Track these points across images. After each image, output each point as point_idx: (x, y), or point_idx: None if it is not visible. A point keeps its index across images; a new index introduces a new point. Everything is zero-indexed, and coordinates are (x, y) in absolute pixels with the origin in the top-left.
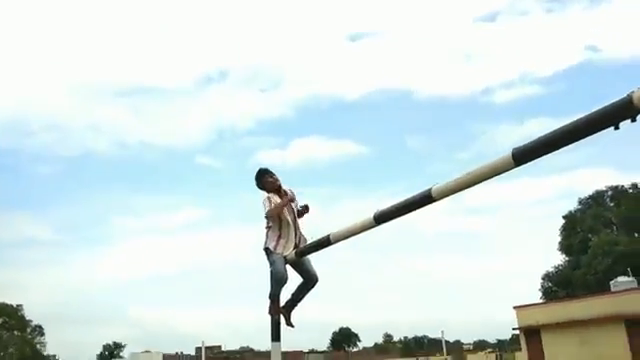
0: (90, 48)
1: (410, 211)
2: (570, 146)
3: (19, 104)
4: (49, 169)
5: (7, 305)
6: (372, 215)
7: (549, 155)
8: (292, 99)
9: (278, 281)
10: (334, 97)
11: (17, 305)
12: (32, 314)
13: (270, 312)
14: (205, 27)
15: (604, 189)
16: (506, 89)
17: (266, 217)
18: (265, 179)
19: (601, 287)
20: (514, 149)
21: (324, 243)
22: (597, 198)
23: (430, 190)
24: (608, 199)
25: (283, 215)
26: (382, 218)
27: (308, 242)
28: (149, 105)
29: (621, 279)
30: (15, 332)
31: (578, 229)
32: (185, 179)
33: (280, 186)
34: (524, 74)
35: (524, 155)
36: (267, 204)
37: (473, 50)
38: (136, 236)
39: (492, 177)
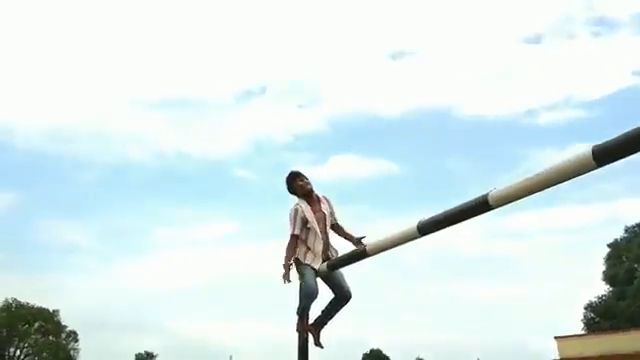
0: (135, 60)
1: (461, 220)
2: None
3: (64, 111)
4: (90, 176)
5: (44, 309)
6: (415, 225)
7: (594, 181)
8: (330, 115)
9: (308, 295)
10: (372, 115)
11: (54, 310)
12: (67, 320)
13: (298, 329)
14: (247, 41)
15: None
16: (549, 112)
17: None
18: (295, 182)
19: None
20: (595, 146)
21: (360, 255)
22: None
23: (487, 196)
24: None
25: (313, 225)
26: (427, 228)
27: (340, 255)
28: (188, 116)
29: None
30: (50, 337)
31: (624, 258)
32: (221, 191)
33: (311, 190)
34: (568, 97)
35: (607, 154)
36: (292, 221)
37: (516, 71)
38: (174, 247)
39: (564, 181)
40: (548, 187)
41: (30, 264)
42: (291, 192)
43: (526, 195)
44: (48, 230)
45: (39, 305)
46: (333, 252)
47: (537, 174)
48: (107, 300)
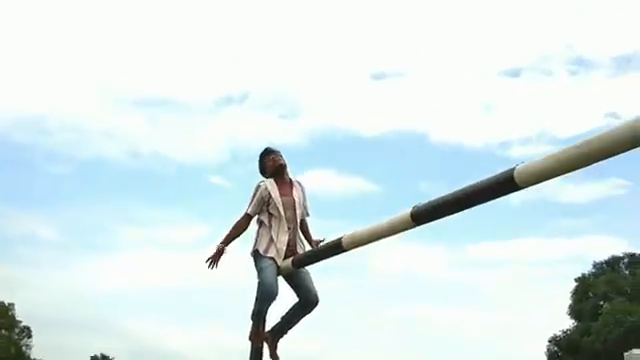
0: (115, 55)
1: (478, 203)
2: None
3: (38, 101)
4: (61, 169)
5: None
6: (409, 211)
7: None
8: (309, 129)
9: (265, 297)
10: (351, 132)
11: (9, 304)
12: (22, 315)
13: (250, 337)
14: (231, 47)
15: (621, 255)
16: (523, 145)
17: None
18: (267, 158)
19: (610, 357)
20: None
21: (334, 249)
22: (612, 264)
23: (513, 171)
24: (624, 266)
25: (278, 209)
26: (425, 215)
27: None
28: (167, 118)
29: (637, 351)
30: (3, 331)
31: (590, 294)
32: (194, 195)
33: (283, 167)
34: (542, 132)
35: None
36: (250, 199)
37: (494, 102)
38: (139, 247)
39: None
40: (583, 166)
41: None
42: (262, 172)
43: (556, 175)
44: (10, 220)
45: None
46: (300, 248)
47: (576, 146)
48: (65, 297)
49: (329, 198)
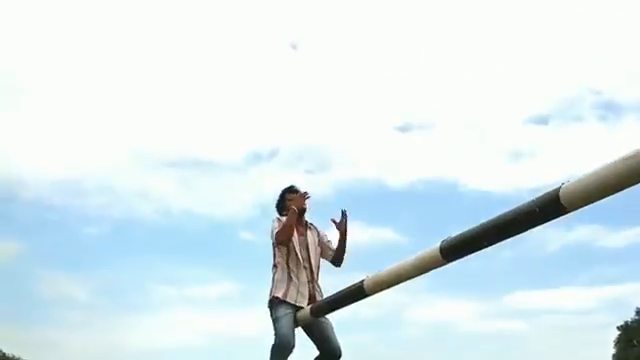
0: (148, 116)
1: (518, 232)
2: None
3: (74, 164)
4: (94, 230)
5: None
6: (438, 246)
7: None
8: (336, 181)
9: (279, 348)
10: (378, 183)
11: None
12: None
13: None
14: (260, 104)
15: None
16: None
17: (275, 244)
18: (289, 198)
19: None
20: None
21: (356, 294)
22: None
23: (558, 192)
24: None
25: (294, 249)
26: (457, 250)
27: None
28: (198, 177)
29: None
30: None
31: (635, 342)
32: (225, 252)
33: (304, 210)
34: (571, 178)
35: None
36: (276, 225)
37: (522, 149)
38: (171, 306)
39: None
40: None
41: (24, 315)
42: (278, 209)
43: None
44: (46, 282)
45: (27, 359)
46: (318, 295)
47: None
48: (100, 357)
49: (357, 250)
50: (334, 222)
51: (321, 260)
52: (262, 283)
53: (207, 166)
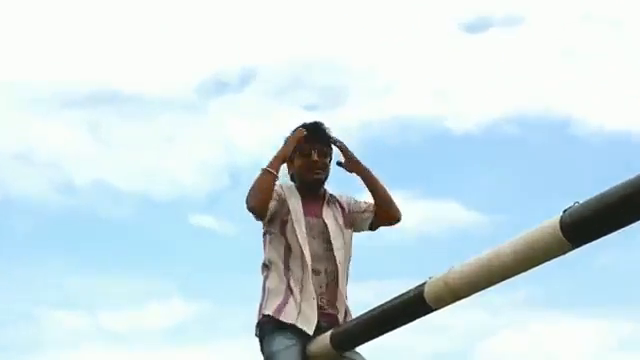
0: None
1: None
2: None
3: None
4: None
5: None
6: (557, 219)
7: None
8: (356, 125)
9: None
10: (432, 126)
11: None
12: None
13: None
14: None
15: None
16: None
17: (265, 230)
18: (304, 146)
19: None
20: None
21: (408, 309)
22: None
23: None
24: None
25: (296, 238)
26: (589, 226)
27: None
28: (118, 125)
29: None
30: None
31: None
32: (169, 250)
33: (320, 181)
34: None
35: None
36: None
37: None
38: (80, 345)
39: None
40: None
41: None
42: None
43: None
44: None
45: None
46: (340, 314)
47: None
48: None
49: (400, 240)
50: (340, 165)
51: (350, 257)
52: (236, 299)
53: (134, 104)
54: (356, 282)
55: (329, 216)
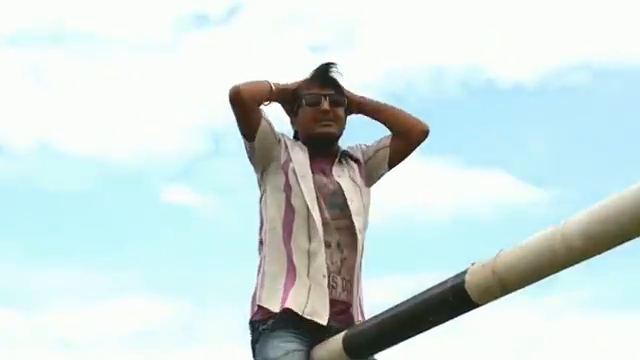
0: None
1: None
2: None
3: None
4: None
5: None
6: None
7: None
8: (375, 72)
9: None
10: (475, 76)
11: None
12: None
13: None
14: None
15: None
16: None
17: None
18: (311, 100)
19: None
20: None
21: (446, 304)
22: None
23: None
24: None
25: (303, 196)
26: None
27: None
28: (72, 69)
29: None
30: None
31: None
32: (135, 235)
33: (334, 137)
34: None
35: None
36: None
37: None
38: (18, 349)
39: None
40: None
41: None
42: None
43: None
44: None
45: None
46: (357, 301)
47: None
48: None
49: (433, 221)
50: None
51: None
52: (221, 297)
53: (92, 43)
54: (366, 279)
55: (343, 175)
